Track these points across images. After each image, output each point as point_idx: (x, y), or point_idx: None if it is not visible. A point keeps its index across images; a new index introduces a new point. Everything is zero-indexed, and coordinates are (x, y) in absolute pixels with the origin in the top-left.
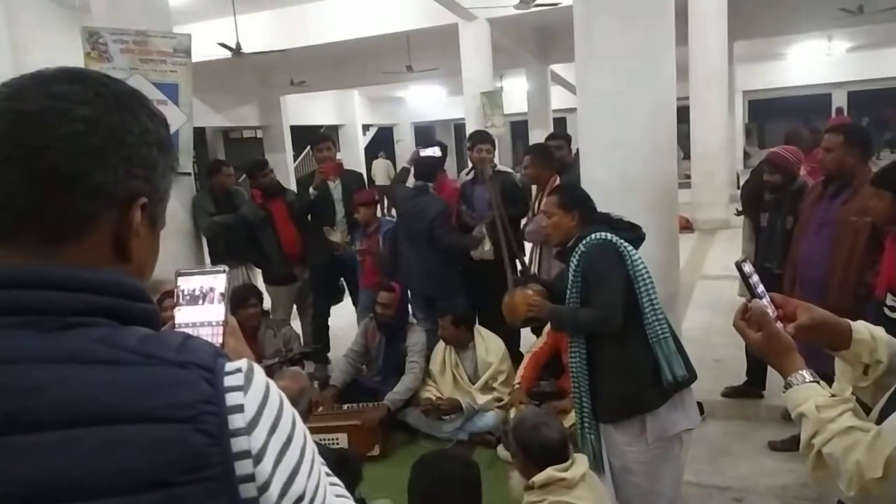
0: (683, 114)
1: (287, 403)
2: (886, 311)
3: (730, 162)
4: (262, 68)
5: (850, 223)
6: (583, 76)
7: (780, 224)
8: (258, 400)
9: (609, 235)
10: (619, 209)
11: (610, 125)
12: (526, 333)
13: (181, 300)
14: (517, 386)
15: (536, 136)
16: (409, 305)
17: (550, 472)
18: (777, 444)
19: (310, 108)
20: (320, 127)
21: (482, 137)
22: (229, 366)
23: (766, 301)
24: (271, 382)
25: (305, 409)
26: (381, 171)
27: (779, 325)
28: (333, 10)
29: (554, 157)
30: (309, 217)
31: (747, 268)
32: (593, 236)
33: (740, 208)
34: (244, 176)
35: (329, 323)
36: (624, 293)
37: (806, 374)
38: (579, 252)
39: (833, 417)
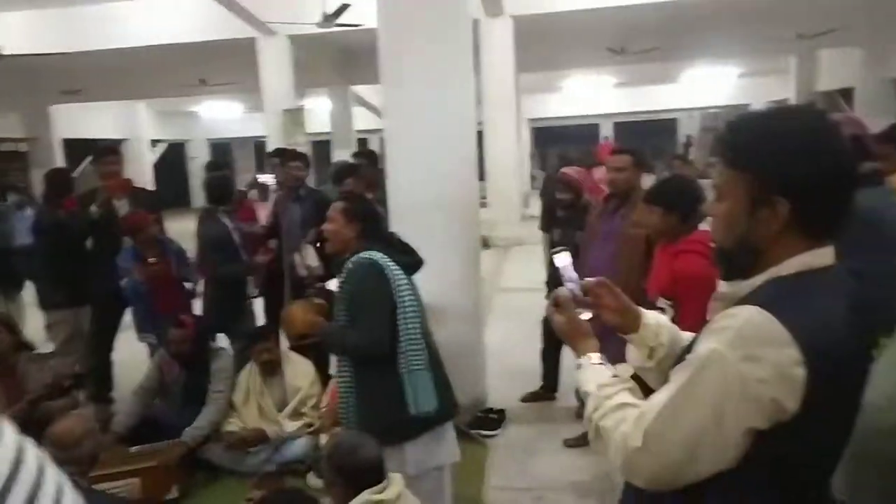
0: (478, 137)
1: (51, 470)
2: (657, 312)
3: (520, 184)
4: (28, 73)
5: (630, 235)
6: (388, 97)
7: (570, 238)
8: (5, 469)
9: (377, 256)
10: (427, 225)
11: (415, 145)
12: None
13: None
14: (325, 409)
15: (339, 156)
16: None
17: (366, 496)
18: (571, 441)
19: (87, 119)
20: (99, 141)
21: (294, 154)
22: None
23: (572, 288)
24: (27, 444)
25: (89, 453)
26: None
27: (585, 315)
28: (116, 13)
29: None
30: (89, 241)
31: (559, 260)
32: (362, 255)
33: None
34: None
35: (113, 358)
36: (389, 318)
37: (594, 357)
38: (347, 268)
39: (611, 395)
